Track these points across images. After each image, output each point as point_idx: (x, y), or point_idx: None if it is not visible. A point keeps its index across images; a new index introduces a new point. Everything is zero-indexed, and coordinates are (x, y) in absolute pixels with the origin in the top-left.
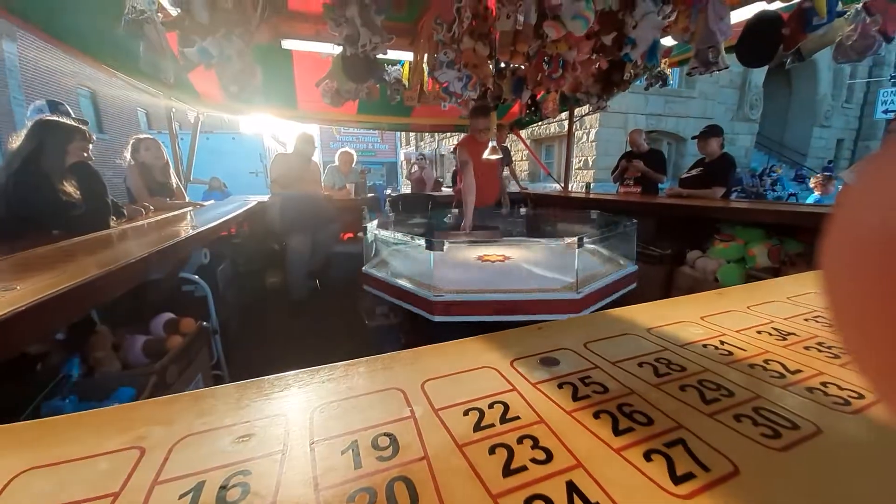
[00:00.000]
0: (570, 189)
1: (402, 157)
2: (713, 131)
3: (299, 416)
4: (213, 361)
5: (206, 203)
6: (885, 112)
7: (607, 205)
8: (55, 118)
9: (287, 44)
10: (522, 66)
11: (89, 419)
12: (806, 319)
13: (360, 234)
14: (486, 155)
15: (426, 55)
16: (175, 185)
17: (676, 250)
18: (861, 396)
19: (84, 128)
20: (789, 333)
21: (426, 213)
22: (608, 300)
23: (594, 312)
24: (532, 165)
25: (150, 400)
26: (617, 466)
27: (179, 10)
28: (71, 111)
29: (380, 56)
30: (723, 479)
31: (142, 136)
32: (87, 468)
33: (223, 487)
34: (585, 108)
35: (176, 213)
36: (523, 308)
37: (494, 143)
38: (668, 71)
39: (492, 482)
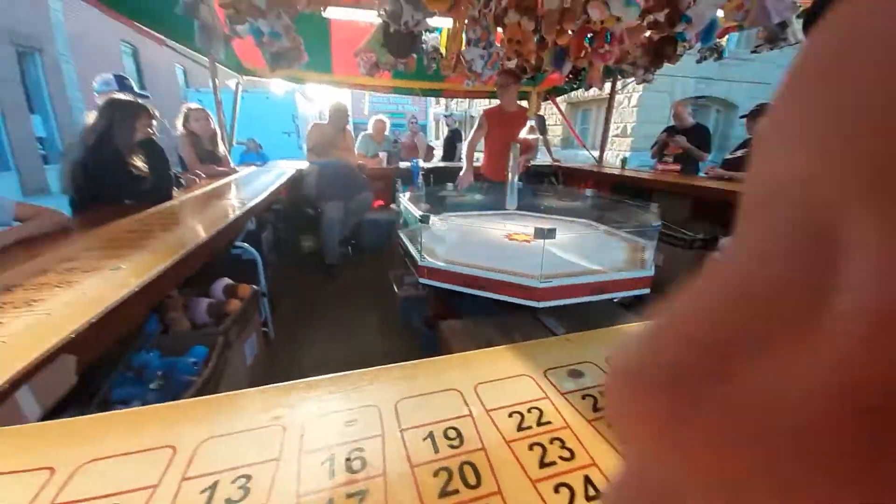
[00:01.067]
0: (603, 163)
1: (431, 119)
2: (763, 110)
3: (386, 407)
4: (261, 320)
5: (247, 168)
6: None
7: (641, 183)
8: (124, 97)
9: (328, 12)
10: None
11: (244, 398)
12: None
13: (393, 205)
14: (523, 134)
15: (466, 22)
16: (222, 153)
17: (710, 235)
18: None
19: (149, 106)
20: None
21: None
22: (599, 297)
23: (615, 327)
24: (565, 131)
25: (274, 386)
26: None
27: None
28: (134, 85)
29: None
30: None
31: (192, 105)
32: (250, 439)
33: (348, 459)
34: (630, 79)
35: (225, 180)
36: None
37: (534, 123)
38: (724, 42)
39: (532, 471)
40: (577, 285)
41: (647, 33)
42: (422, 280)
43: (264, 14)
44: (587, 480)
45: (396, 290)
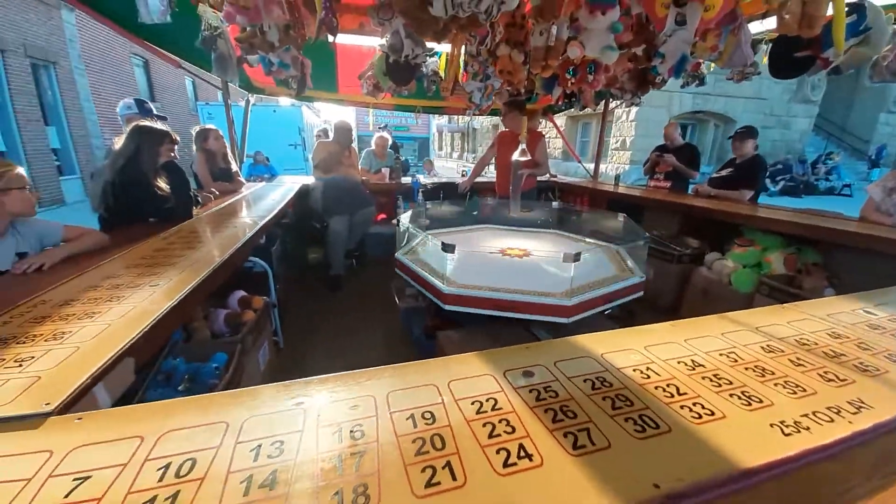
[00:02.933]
0: (599, 178)
1: (434, 130)
2: (749, 132)
3: (380, 397)
4: (272, 329)
5: (256, 184)
6: None
7: (633, 200)
8: (149, 123)
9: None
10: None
11: (273, 390)
12: (720, 355)
13: (394, 221)
14: (515, 156)
15: (464, 48)
16: (234, 169)
17: (697, 250)
18: (711, 414)
19: (171, 132)
20: (699, 365)
21: (458, 201)
22: (609, 306)
23: (568, 337)
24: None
25: (294, 381)
26: (547, 438)
27: (250, 28)
28: (153, 108)
29: None
30: (600, 449)
31: (207, 126)
32: (281, 417)
33: (352, 431)
34: (620, 101)
35: (237, 197)
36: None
37: (524, 146)
38: (705, 70)
39: (482, 440)
40: (595, 298)
41: (632, 63)
42: (447, 307)
43: (275, 48)
44: (521, 447)
45: (398, 301)
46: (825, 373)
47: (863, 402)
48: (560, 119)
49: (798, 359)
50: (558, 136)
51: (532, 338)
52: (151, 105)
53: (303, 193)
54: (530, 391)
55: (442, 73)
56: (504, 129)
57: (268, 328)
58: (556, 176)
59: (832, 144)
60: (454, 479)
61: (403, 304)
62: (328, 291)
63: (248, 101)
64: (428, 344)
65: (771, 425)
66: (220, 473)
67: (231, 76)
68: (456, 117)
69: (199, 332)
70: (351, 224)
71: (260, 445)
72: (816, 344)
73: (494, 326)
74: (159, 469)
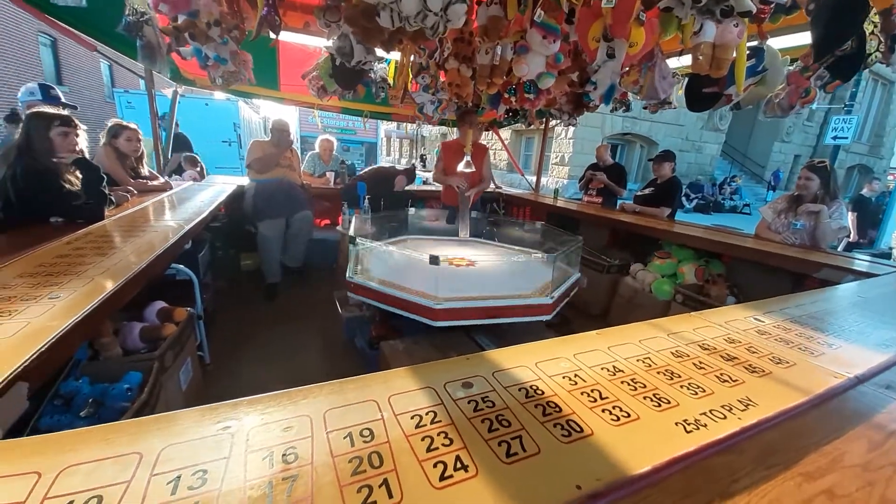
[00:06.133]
0: (539, 192)
1: (382, 135)
2: (667, 156)
3: (317, 416)
4: (197, 343)
5: (184, 183)
6: (834, 138)
7: (570, 213)
8: (44, 108)
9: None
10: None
11: (197, 414)
12: (637, 360)
13: (339, 227)
14: (460, 168)
15: (413, 57)
16: (146, 174)
17: (624, 261)
18: (627, 416)
19: (66, 114)
20: (619, 371)
21: (405, 209)
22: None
23: (506, 348)
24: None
25: (222, 403)
26: (483, 448)
27: (185, 18)
28: (61, 95)
29: None
30: (531, 456)
31: (124, 122)
32: (204, 444)
33: (284, 455)
34: (557, 121)
35: (158, 197)
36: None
37: (469, 158)
38: (632, 98)
39: (420, 454)
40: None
41: (569, 86)
42: (438, 323)
43: (213, 40)
44: (457, 458)
45: (340, 310)
46: (721, 374)
47: (750, 400)
48: (505, 133)
49: (700, 362)
50: (503, 148)
51: (474, 344)
52: (59, 91)
53: (237, 195)
54: (469, 402)
55: (391, 81)
56: (450, 138)
57: (192, 343)
58: (500, 187)
59: (735, 168)
60: (390, 496)
61: (346, 313)
62: (264, 301)
63: (175, 93)
64: (372, 354)
65: (676, 424)
66: None
67: (160, 67)
68: (405, 123)
69: (109, 350)
70: (287, 229)
71: (179, 476)
72: (715, 348)
73: (437, 334)
74: None
